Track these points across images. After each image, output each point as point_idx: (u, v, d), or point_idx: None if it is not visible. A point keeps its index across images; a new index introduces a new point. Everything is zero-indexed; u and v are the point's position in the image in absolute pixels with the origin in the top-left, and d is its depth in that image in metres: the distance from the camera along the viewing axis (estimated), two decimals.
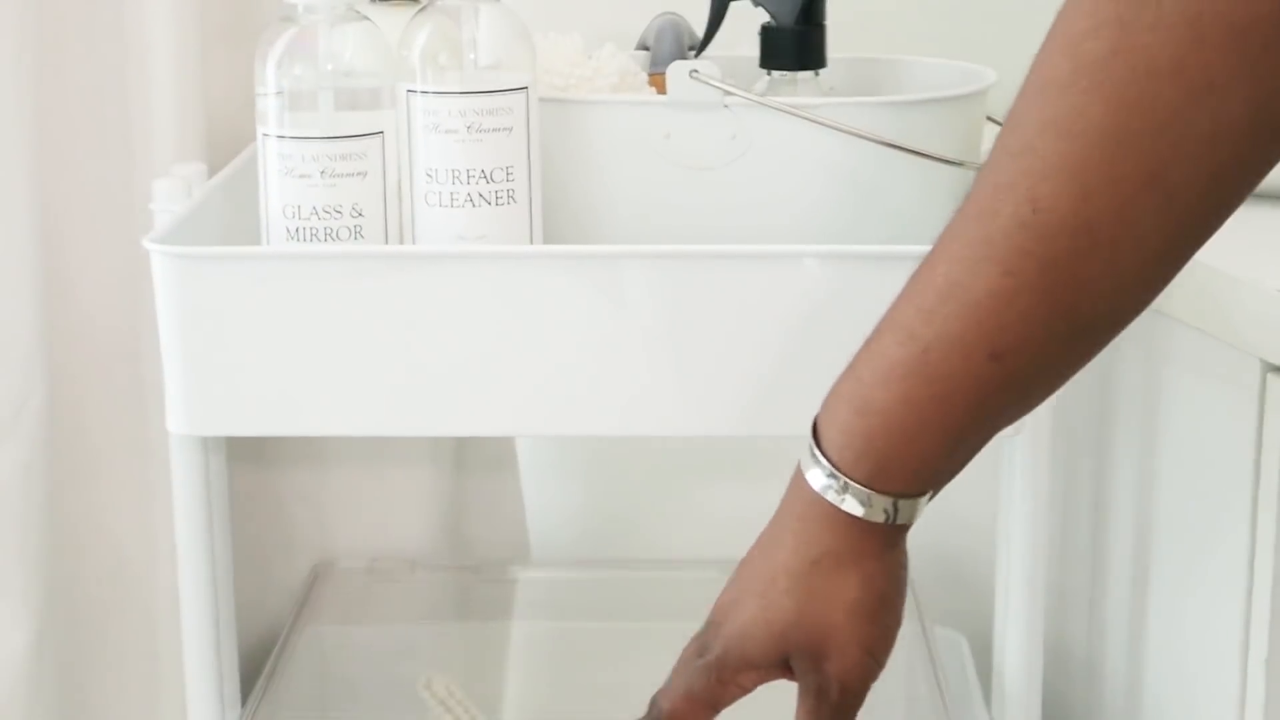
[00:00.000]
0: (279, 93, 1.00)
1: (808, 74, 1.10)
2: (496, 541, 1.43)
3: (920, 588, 1.28)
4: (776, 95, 1.08)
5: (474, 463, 1.40)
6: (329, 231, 1.01)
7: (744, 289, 0.99)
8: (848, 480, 0.73)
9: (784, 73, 1.10)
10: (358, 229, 1.01)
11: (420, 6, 1.02)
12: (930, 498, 0.76)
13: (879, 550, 0.75)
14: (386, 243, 1.02)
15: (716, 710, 0.79)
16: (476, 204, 1.01)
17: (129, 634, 1.27)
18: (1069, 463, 1.24)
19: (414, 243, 1.03)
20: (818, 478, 0.74)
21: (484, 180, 1.01)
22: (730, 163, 1.05)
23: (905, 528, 0.76)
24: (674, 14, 1.24)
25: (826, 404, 0.75)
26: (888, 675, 1.25)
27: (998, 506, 1.10)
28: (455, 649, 1.31)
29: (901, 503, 0.74)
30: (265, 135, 1.01)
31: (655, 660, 1.24)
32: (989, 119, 1.11)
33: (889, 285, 0.99)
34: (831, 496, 0.74)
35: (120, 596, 1.26)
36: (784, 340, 1.00)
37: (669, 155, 1.06)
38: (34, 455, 1.17)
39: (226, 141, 1.21)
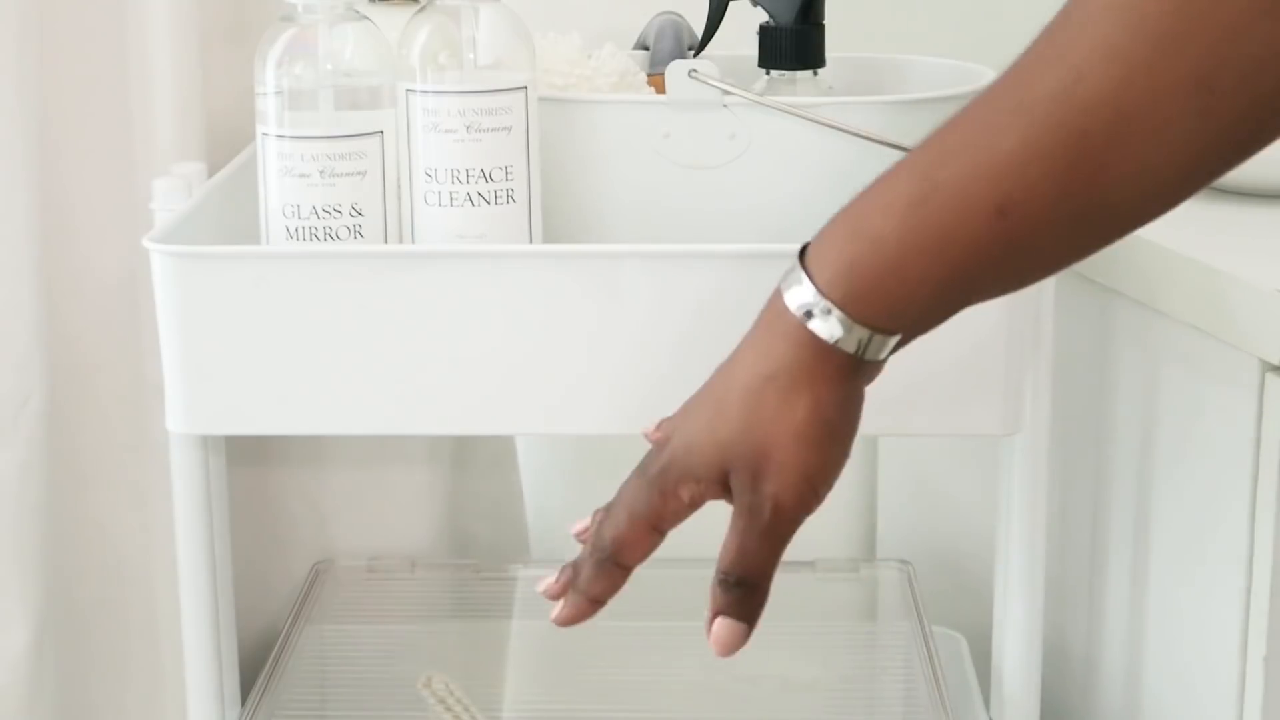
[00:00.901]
0: (278, 92, 1.00)
1: (807, 73, 1.10)
2: (496, 541, 1.43)
3: (919, 587, 1.28)
4: (775, 95, 1.08)
5: (474, 462, 1.41)
6: (328, 231, 1.01)
7: (743, 288, 0.99)
8: (828, 302, 0.72)
9: (783, 72, 1.10)
10: (357, 228, 1.01)
11: (420, 6, 1.02)
12: (898, 345, 0.74)
13: (837, 379, 0.74)
14: (386, 242, 1.03)
15: (660, 531, 0.79)
16: (476, 203, 1.01)
17: (129, 634, 1.27)
18: (1068, 462, 1.24)
19: (413, 242, 1.04)
20: (798, 295, 0.73)
21: (483, 180, 1.01)
22: (729, 162, 1.05)
23: (869, 365, 0.74)
24: (673, 13, 1.24)
25: (823, 228, 0.74)
26: (887, 675, 1.26)
27: (997, 506, 1.10)
28: (455, 647, 1.31)
29: (874, 337, 0.73)
30: (265, 135, 1.01)
31: (655, 660, 1.25)
32: None
33: None
34: (803, 316, 0.73)
35: (120, 596, 1.26)
36: None
37: (668, 155, 1.06)
38: (33, 455, 1.17)
39: (226, 141, 1.21)
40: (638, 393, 1.01)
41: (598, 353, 1.00)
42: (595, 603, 0.82)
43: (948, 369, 0.99)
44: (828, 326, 0.73)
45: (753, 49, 1.12)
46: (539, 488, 1.51)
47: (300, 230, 1.01)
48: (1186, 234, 1.08)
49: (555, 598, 0.82)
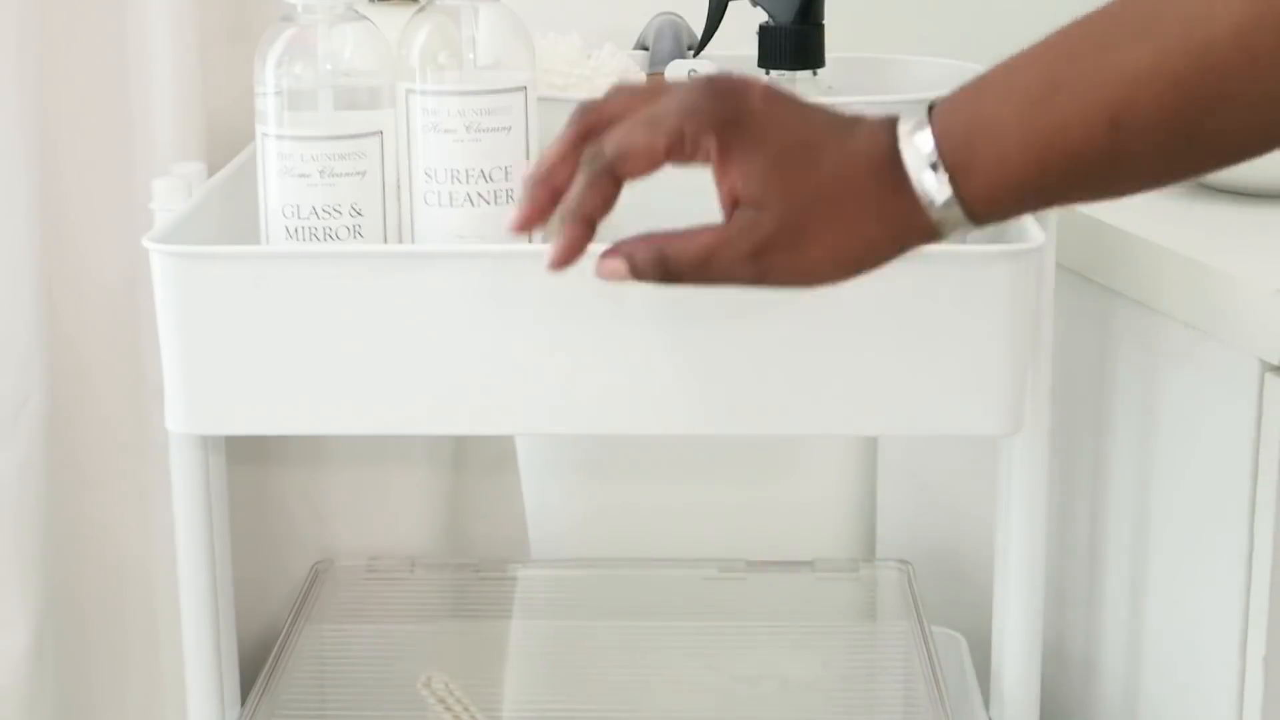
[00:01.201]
0: (278, 92, 1.00)
1: (806, 73, 1.10)
2: (496, 540, 1.43)
3: (919, 587, 1.28)
4: None
5: (474, 462, 1.41)
6: (328, 231, 1.01)
7: (744, 288, 0.99)
8: (943, 164, 0.74)
9: (783, 72, 1.10)
10: (357, 228, 1.01)
11: (419, 6, 1.02)
12: (969, 230, 0.76)
13: (903, 231, 0.76)
14: (385, 242, 1.03)
15: (662, 161, 0.77)
16: (475, 203, 1.01)
17: (129, 634, 1.27)
18: (1067, 462, 1.24)
19: (413, 242, 1.04)
20: (925, 140, 0.74)
21: (483, 180, 1.01)
22: None
23: (930, 238, 0.76)
24: (673, 14, 1.24)
25: (955, 94, 0.76)
26: (887, 675, 1.26)
27: (997, 506, 1.10)
28: (455, 647, 1.31)
29: (956, 218, 0.74)
30: (264, 135, 1.01)
31: (655, 660, 1.25)
32: None
33: (889, 285, 0.99)
34: (917, 164, 0.74)
35: (120, 596, 1.26)
36: (785, 340, 1.00)
37: None
38: (33, 455, 1.17)
39: (226, 141, 1.21)
40: (638, 393, 1.01)
41: (598, 353, 1.00)
42: (589, 225, 0.79)
43: (948, 369, 0.99)
44: (936, 186, 0.74)
45: (753, 49, 1.12)
46: (539, 488, 1.51)
47: (300, 230, 1.01)
48: (1186, 234, 1.08)
49: (524, 227, 0.80)
